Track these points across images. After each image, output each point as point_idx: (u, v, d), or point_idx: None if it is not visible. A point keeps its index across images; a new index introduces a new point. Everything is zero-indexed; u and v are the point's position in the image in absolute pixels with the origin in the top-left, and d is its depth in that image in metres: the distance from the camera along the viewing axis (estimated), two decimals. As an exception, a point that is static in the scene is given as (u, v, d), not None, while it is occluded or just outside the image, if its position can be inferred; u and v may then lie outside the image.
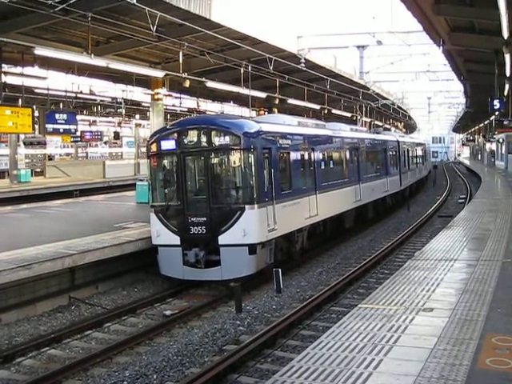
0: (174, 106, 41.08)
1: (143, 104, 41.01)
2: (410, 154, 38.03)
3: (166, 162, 15.62)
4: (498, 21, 15.06)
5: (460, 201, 34.40)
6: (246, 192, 14.59)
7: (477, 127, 75.71)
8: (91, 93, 35.43)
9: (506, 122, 34.03)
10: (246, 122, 15.83)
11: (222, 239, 14.26)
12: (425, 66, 41.75)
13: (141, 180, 25.72)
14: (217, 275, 14.38)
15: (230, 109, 47.58)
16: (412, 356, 6.58)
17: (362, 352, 6.77)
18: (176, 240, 14.67)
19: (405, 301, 8.91)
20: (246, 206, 14.27)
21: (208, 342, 10.89)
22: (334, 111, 45.54)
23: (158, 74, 25.41)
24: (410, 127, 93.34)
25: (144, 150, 41.27)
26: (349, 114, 48.93)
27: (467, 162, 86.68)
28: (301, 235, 17.32)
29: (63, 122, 26.31)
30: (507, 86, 25.38)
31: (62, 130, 26.84)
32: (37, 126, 26.93)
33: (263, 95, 32.62)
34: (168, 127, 16.28)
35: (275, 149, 15.77)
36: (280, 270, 14.28)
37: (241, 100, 39.02)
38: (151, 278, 15.75)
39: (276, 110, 37.79)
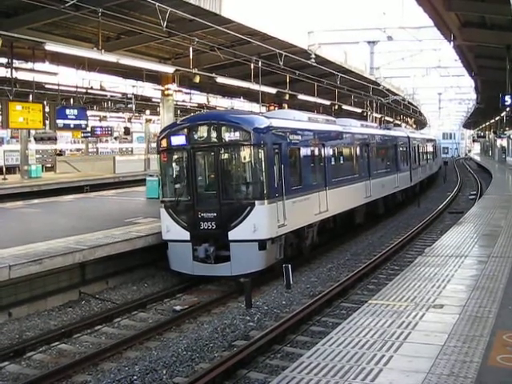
0: (184, 101, 41.04)
1: (153, 99, 41.02)
2: (421, 150, 37.91)
3: (176, 157, 15.64)
4: (510, 16, 14.96)
5: (471, 197, 34.26)
6: (256, 187, 14.59)
7: (488, 123, 75.28)
8: (101, 88, 35.43)
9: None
10: (256, 118, 15.80)
11: (232, 235, 14.26)
12: (436, 61, 41.56)
13: (151, 175, 25.77)
14: (227, 271, 14.39)
15: (240, 104, 47.53)
16: (422, 353, 6.57)
17: (372, 348, 6.77)
18: (186, 235, 14.70)
19: (415, 297, 8.90)
20: (256, 202, 14.26)
21: (218, 337, 10.91)
22: (344, 107, 45.38)
23: (168, 69, 25.38)
24: (421, 123, 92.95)
25: (154, 145, 41.37)
26: (359, 110, 48.75)
27: (478, 158, 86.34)
28: (311, 231, 17.31)
29: (74, 117, 26.27)
30: (519, 82, 25.22)
31: (72, 126, 26.78)
32: (47, 122, 26.90)
33: (273, 91, 32.53)
34: (178, 123, 16.27)
35: (285, 144, 15.74)
36: (290, 265, 14.27)
37: (251, 95, 38.94)
38: (161, 273, 15.79)
39: (286, 106, 37.69)
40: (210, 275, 14.78)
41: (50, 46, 18.95)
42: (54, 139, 43.15)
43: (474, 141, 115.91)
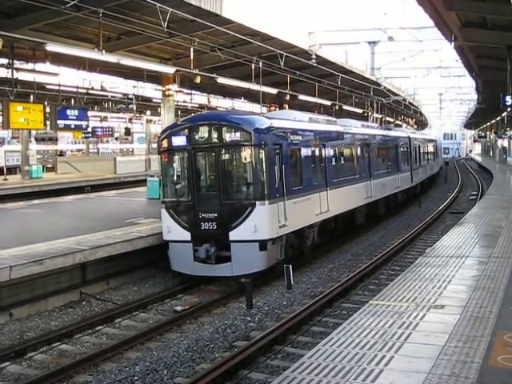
0: (184, 102, 41.06)
1: (154, 100, 41.02)
2: (422, 151, 37.90)
3: (176, 157, 15.64)
4: (511, 16, 14.98)
5: (471, 197, 34.25)
6: (257, 188, 14.58)
7: (488, 123, 75.28)
8: (102, 89, 35.43)
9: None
10: (256, 118, 15.81)
11: (233, 235, 14.26)
12: (436, 61, 41.60)
13: (152, 176, 25.76)
14: (227, 271, 14.38)
15: (241, 105, 47.53)
16: (423, 353, 6.57)
17: (372, 349, 6.77)
18: (187, 236, 14.69)
19: (416, 297, 8.90)
20: (257, 202, 14.25)
21: (218, 337, 10.90)
22: (345, 107, 45.43)
23: (169, 70, 25.40)
24: (422, 123, 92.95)
25: (155, 145, 41.35)
26: (360, 110, 48.76)
27: (479, 159, 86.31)
28: (312, 231, 17.30)
29: (74, 117, 26.29)
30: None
31: (73, 126, 26.81)
32: (48, 122, 26.90)
33: (274, 91, 32.57)
34: (179, 123, 16.27)
35: (286, 145, 15.74)
36: (291, 266, 14.27)
37: (252, 96, 38.95)
38: (162, 273, 15.78)
39: (287, 106, 37.71)
40: (211, 275, 14.78)
41: (51, 47, 18.98)
42: (54, 140, 43.15)
43: (474, 141, 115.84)
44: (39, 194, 32.86)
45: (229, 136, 14.61)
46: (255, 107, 43.72)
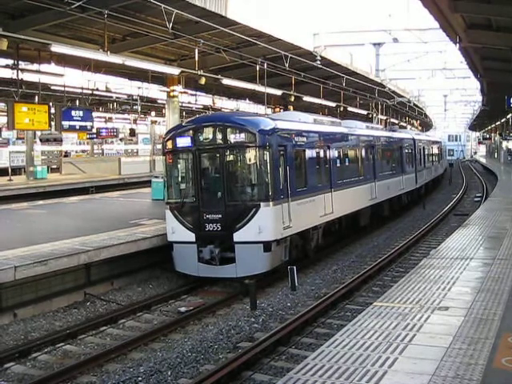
0: (189, 103, 41.09)
1: (159, 101, 41.04)
2: (426, 152, 37.85)
3: (181, 159, 15.65)
4: (516, 18, 14.94)
5: (476, 199, 34.19)
6: (261, 189, 14.58)
7: (493, 125, 75.15)
8: (107, 90, 35.50)
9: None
10: (261, 120, 15.81)
11: (237, 236, 14.26)
12: (441, 63, 41.45)
13: (156, 177, 25.78)
14: (232, 272, 14.39)
15: (246, 106, 47.54)
16: (427, 355, 6.56)
17: (376, 350, 6.76)
18: (191, 237, 14.70)
19: (420, 299, 8.89)
20: (261, 204, 14.26)
21: (222, 338, 10.91)
22: (349, 109, 45.38)
23: (174, 71, 25.41)
24: (426, 125, 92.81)
25: (159, 146, 41.40)
26: (365, 112, 48.73)
27: (483, 161, 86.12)
28: (316, 233, 17.29)
29: (79, 118, 26.36)
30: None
31: (78, 127, 26.89)
32: (53, 123, 26.94)
33: (279, 92, 32.54)
34: (183, 124, 16.29)
35: (290, 146, 15.74)
36: (295, 267, 14.27)
37: (256, 97, 38.98)
38: (166, 274, 15.80)
39: (291, 108, 37.69)
40: (215, 277, 14.79)
41: (56, 48, 19.00)
42: (59, 140, 43.26)
43: (479, 143, 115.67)
44: (44, 194, 32.92)
45: (233, 137, 14.61)
46: (260, 108, 43.72)
